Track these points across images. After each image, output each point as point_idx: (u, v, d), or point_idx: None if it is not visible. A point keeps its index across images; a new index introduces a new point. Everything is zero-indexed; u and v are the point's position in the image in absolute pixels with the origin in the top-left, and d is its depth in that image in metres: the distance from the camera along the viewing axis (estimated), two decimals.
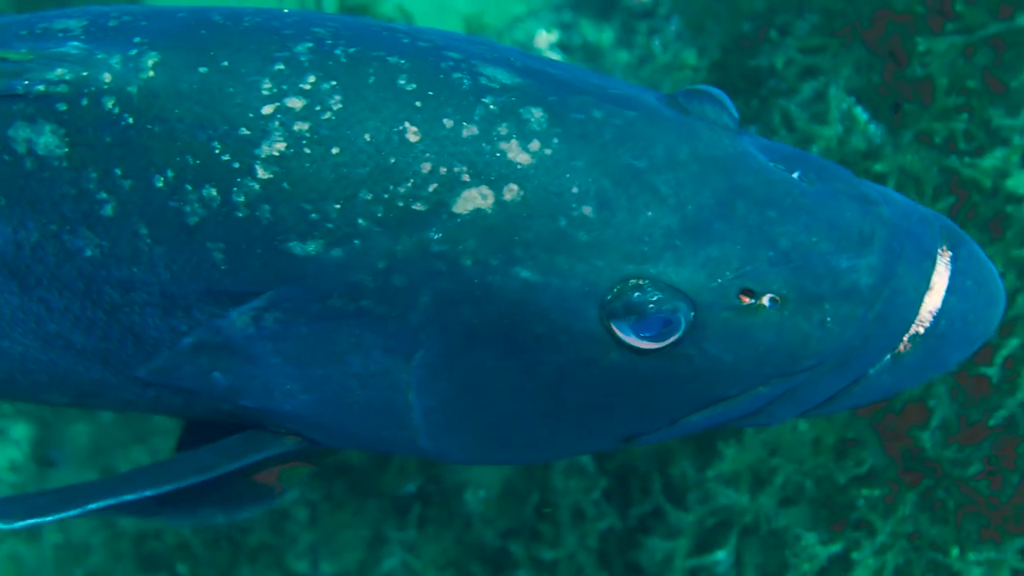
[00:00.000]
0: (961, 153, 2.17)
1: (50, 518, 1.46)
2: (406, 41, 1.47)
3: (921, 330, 1.45)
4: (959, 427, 2.28)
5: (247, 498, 1.65)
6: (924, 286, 1.44)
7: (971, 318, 1.47)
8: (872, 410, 2.34)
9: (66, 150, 1.43)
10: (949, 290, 1.45)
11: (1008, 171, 2.08)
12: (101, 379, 1.57)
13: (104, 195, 1.43)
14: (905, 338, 1.46)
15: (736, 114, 1.53)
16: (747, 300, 1.41)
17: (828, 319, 1.42)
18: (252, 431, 1.60)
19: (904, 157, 2.17)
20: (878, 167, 2.24)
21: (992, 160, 2.09)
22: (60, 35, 1.47)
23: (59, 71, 1.43)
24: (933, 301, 1.45)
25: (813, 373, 1.46)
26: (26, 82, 1.43)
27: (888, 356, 1.47)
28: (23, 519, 1.46)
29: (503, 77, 1.45)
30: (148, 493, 1.50)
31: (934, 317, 1.45)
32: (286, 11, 1.53)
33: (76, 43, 1.45)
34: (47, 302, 1.51)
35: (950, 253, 1.47)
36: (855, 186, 1.48)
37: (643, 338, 1.41)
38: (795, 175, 1.46)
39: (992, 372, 2.19)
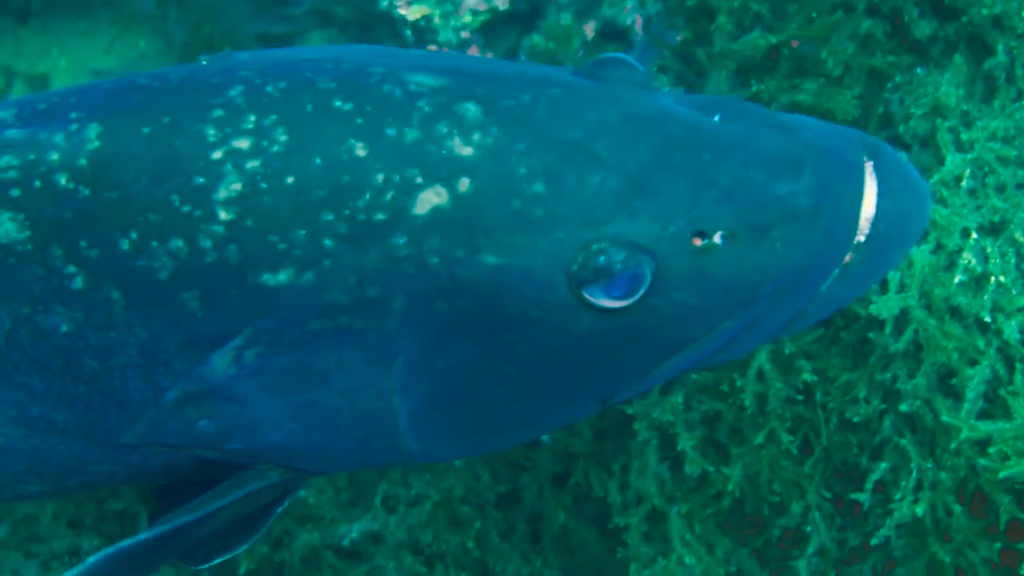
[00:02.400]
0: None
1: None
2: (329, 67, 1.50)
3: (862, 238, 1.51)
4: (837, 551, 2.30)
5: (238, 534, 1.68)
6: (859, 196, 1.51)
7: (905, 217, 1.54)
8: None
9: (28, 233, 1.44)
10: (880, 195, 1.51)
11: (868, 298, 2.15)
12: (84, 455, 1.58)
13: (72, 268, 1.44)
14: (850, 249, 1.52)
15: (644, 71, 1.59)
16: (700, 242, 1.47)
17: (777, 244, 1.48)
18: (235, 475, 1.61)
19: None
20: None
21: None
22: None
23: (5, 158, 1.45)
24: (867, 209, 1.51)
25: (771, 299, 1.52)
26: None
27: (836, 269, 1.53)
28: None
29: (429, 80, 1.48)
30: (143, 537, 1.51)
31: (871, 223, 1.51)
32: (204, 63, 1.57)
33: (13, 130, 1.47)
34: (28, 386, 1.51)
35: (872, 162, 1.53)
36: (772, 118, 1.55)
37: (614, 298, 1.45)
38: (715, 119, 1.52)
39: (864, 497, 2.22)
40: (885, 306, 2.09)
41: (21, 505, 2.93)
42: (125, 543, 1.49)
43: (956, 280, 2.09)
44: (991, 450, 2.02)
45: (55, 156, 1.44)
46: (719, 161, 1.47)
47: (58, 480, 1.63)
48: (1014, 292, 2.07)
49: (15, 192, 1.44)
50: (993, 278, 2.08)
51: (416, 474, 2.63)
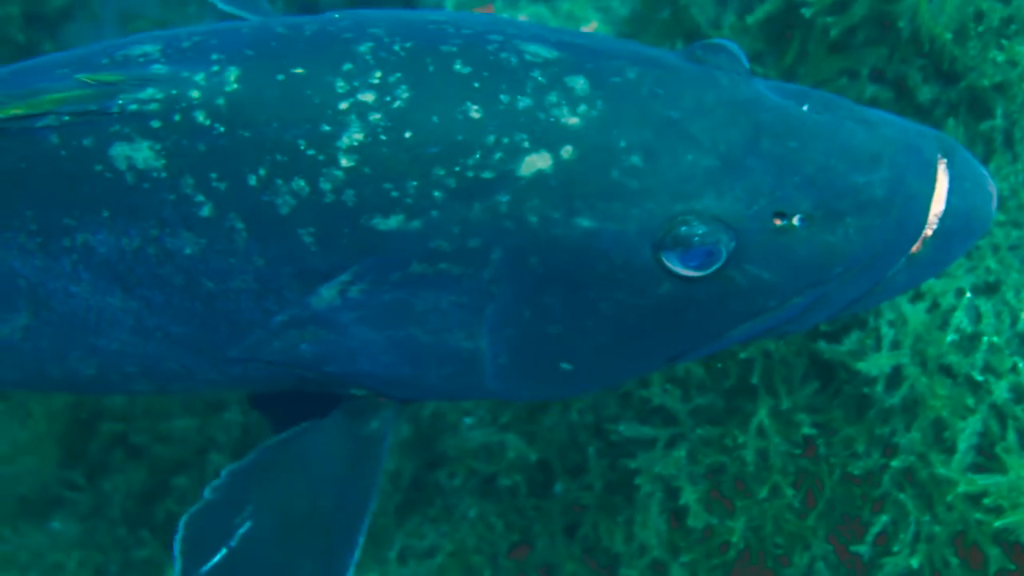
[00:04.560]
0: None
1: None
2: (451, 31, 1.62)
3: (930, 231, 1.63)
4: None
5: None
6: (930, 192, 1.62)
7: (971, 214, 1.65)
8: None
9: (164, 162, 1.56)
10: (950, 192, 1.63)
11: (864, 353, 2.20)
12: (192, 364, 1.73)
13: (201, 198, 1.56)
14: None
15: (747, 63, 1.69)
16: (779, 222, 1.58)
17: (851, 230, 1.60)
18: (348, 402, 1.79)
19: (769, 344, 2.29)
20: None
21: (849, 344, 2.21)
22: (141, 60, 1.61)
23: (150, 91, 1.56)
24: (937, 205, 1.62)
25: (840, 280, 1.63)
26: (120, 102, 1.56)
27: (903, 258, 1.64)
28: None
29: (544, 52, 1.60)
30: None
31: (940, 218, 1.62)
32: (337, 16, 1.68)
33: (159, 65, 1.59)
34: (148, 299, 1.65)
35: (946, 160, 1.64)
36: (857, 112, 1.66)
37: (690, 267, 1.57)
38: (804, 108, 1.63)
39: (864, 550, 2.26)
40: (875, 363, 2.14)
41: (49, 552, 3.00)
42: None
43: (948, 339, 2.14)
44: (985, 501, 2.07)
45: (196, 94, 1.57)
46: (804, 149, 1.59)
47: (165, 383, 1.79)
48: (1006, 353, 2.12)
49: (156, 123, 1.56)
50: (985, 338, 2.13)
51: (431, 525, 2.68)
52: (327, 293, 1.61)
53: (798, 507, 2.33)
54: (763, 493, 2.31)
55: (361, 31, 1.61)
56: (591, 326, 1.63)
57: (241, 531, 1.74)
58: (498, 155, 1.53)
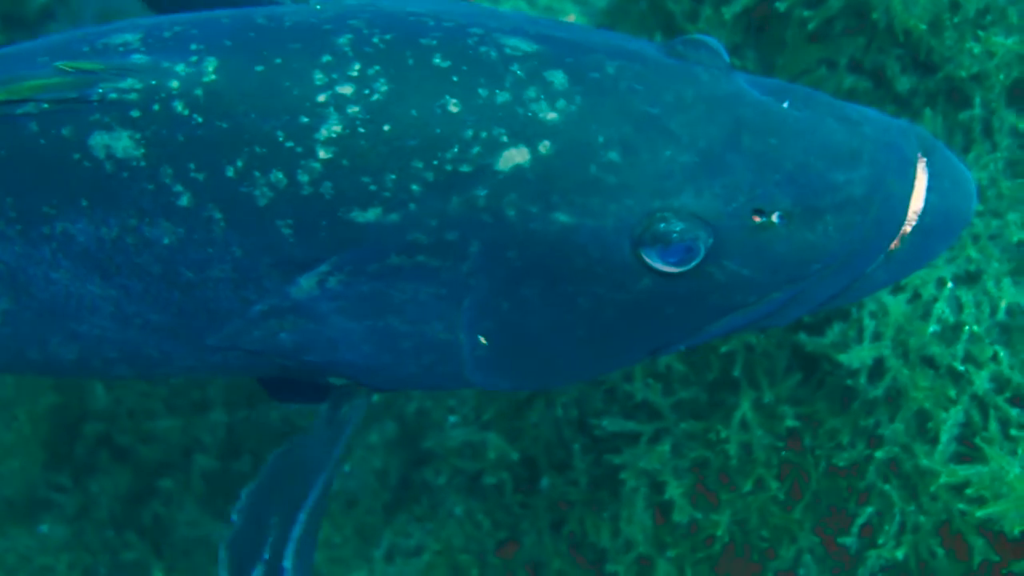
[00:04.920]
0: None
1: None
2: (432, 24, 1.62)
3: (909, 228, 1.64)
4: None
5: None
6: (909, 190, 1.63)
7: (951, 212, 1.66)
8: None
9: (142, 151, 1.57)
10: (929, 190, 1.64)
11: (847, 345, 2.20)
12: (171, 351, 1.74)
13: (180, 187, 1.57)
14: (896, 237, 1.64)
15: (727, 58, 1.69)
16: (759, 219, 1.59)
17: (830, 228, 1.60)
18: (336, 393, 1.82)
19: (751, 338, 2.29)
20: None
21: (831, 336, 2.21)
22: (121, 49, 1.61)
23: (129, 81, 1.57)
24: (916, 202, 1.63)
25: (819, 276, 1.64)
26: (100, 91, 1.56)
27: (882, 255, 1.65)
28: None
29: (524, 46, 1.60)
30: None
31: (919, 216, 1.63)
32: (319, 7, 1.68)
33: (139, 55, 1.59)
34: (127, 287, 1.66)
35: (926, 159, 1.65)
36: (837, 108, 1.66)
37: (669, 264, 1.58)
38: (785, 104, 1.63)
39: (850, 542, 2.26)
40: (857, 356, 2.14)
41: (37, 555, 3.00)
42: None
43: (931, 330, 2.14)
44: (968, 492, 2.07)
45: (175, 84, 1.57)
46: (784, 146, 1.59)
47: (145, 368, 1.80)
48: (986, 342, 2.12)
49: (135, 113, 1.57)
50: (967, 328, 2.13)
51: (417, 523, 2.69)
52: (306, 283, 1.61)
53: (783, 500, 2.33)
54: (748, 486, 2.31)
55: (341, 23, 1.62)
56: (569, 319, 1.64)
57: (270, 540, 1.76)
58: (476, 149, 1.54)
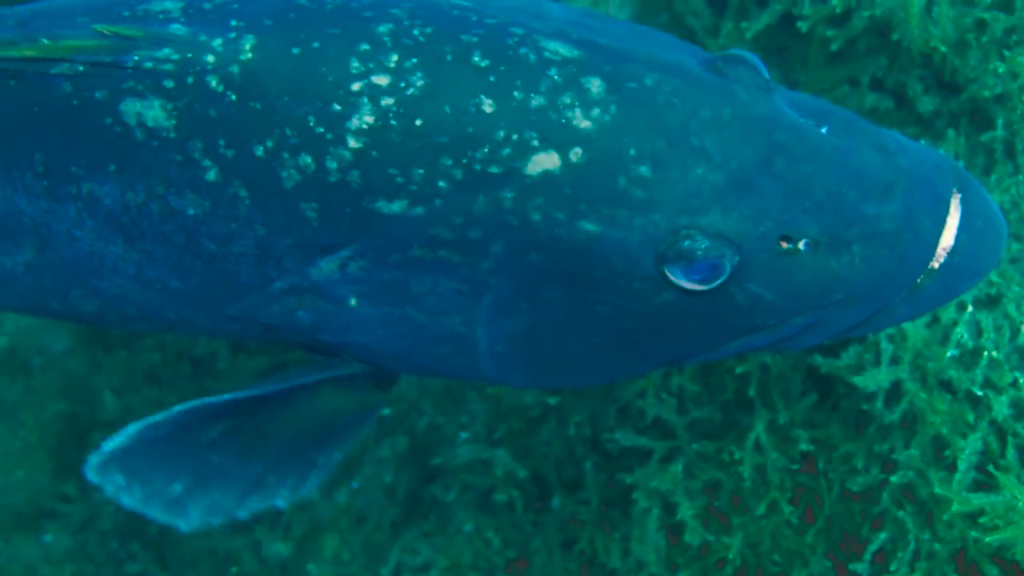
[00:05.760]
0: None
1: (139, 425, 1.69)
2: (474, 19, 1.61)
3: (936, 265, 1.62)
4: None
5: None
6: (940, 228, 1.61)
7: (979, 253, 1.64)
8: None
9: (174, 122, 1.57)
10: (960, 229, 1.62)
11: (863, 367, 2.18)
12: (190, 316, 1.76)
13: (208, 162, 1.58)
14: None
15: (768, 76, 1.67)
16: (785, 245, 1.58)
17: (856, 259, 1.59)
18: (323, 360, 1.80)
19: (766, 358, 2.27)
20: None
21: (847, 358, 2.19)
22: (161, 17, 1.61)
23: (166, 51, 1.57)
24: (947, 239, 1.62)
25: (841, 305, 1.63)
26: (136, 58, 1.57)
27: (906, 289, 1.63)
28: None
29: (563, 50, 1.58)
30: (227, 397, 1.69)
31: (948, 253, 1.62)
32: None
33: (178, 25, 1.59)
34: (149, 252, 1.68)
35: (960, 195, 1.63)
36: (876, 137, 1.64)
37: (693, 281, 1.57)
38: (823, 130, 1.62)
39: (862, 568, 2.24)
40: (873, 379, 2.12)
41: (42, 565, 2.98)
42: (210, 399, 1.68)
43: (949, 354, 2.12)
44: (982, 520, 2.04)
45: (211, 59, 1.57)
46: (817, 173, 1.58)
47: (164, 327, 1.83)
48: (1006, 368, 2.09)
49: (169, 83, 1.57)
50: (985, 352, 2.11)
51: (425, 540, 2.66)
52: (327, 266, 1.62)
53: (796, 523, 2.30)
54: (761, 509, 2.29)
55: (382, 10, 1.61)
56: (587, 326, 1.64)
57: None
58: (506, 151, 1.53)
